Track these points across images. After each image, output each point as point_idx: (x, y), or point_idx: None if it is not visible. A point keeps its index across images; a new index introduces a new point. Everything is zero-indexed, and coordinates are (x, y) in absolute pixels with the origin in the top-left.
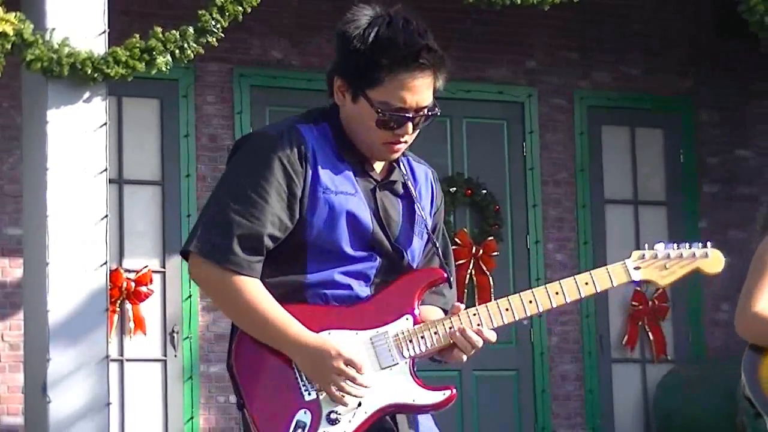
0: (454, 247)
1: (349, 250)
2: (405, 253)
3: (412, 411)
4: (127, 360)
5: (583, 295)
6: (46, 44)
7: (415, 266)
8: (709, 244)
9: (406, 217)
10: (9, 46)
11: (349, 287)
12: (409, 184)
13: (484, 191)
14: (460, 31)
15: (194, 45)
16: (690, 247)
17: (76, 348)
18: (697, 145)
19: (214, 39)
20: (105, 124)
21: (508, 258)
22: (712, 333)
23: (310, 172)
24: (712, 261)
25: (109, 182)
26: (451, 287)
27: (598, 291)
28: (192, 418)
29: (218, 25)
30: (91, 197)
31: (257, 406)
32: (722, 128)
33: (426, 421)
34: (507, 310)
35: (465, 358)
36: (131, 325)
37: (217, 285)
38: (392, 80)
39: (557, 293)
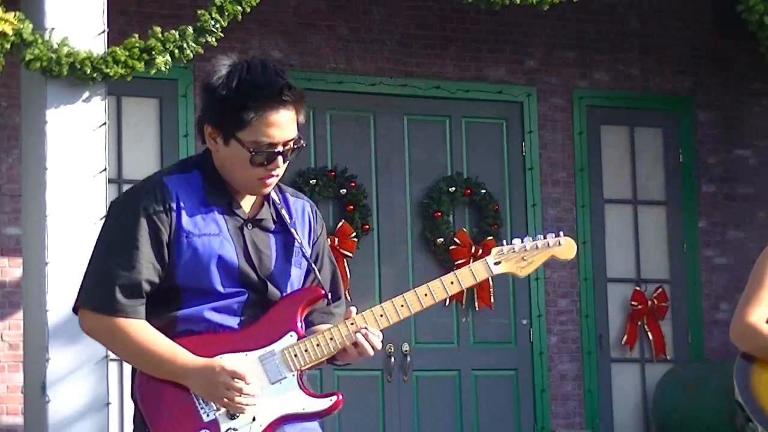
0: (453, 247)
1: (217, 287)
2: (269, 285)
3: (304, 419)
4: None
5: (449, 293)
6: (45, 44)
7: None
8: (561, 233)
9: (280, 251)
10: (8, 46)
11: (217, 323)
12: (284, 217)
13: (483, 191)
14: (459, 30)
15: (193, 45)
16: (544, 238)
17: (76, 347)
18: (696, 144)
19: (214, 39)
20: (104, 123)
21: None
22: (711, 333)
23: (174, 220)
24: (565, 248)
25: (109, 182)
26: (335, 303)
27: (464, 288)
28: None
29: (217, 25)
30: (91, 197)
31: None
32: (721, 128)
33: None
34: (381, 316)
35: (357, 357)
36: None
37: (108, 333)
38: (259, 120)
39: (426, 295)
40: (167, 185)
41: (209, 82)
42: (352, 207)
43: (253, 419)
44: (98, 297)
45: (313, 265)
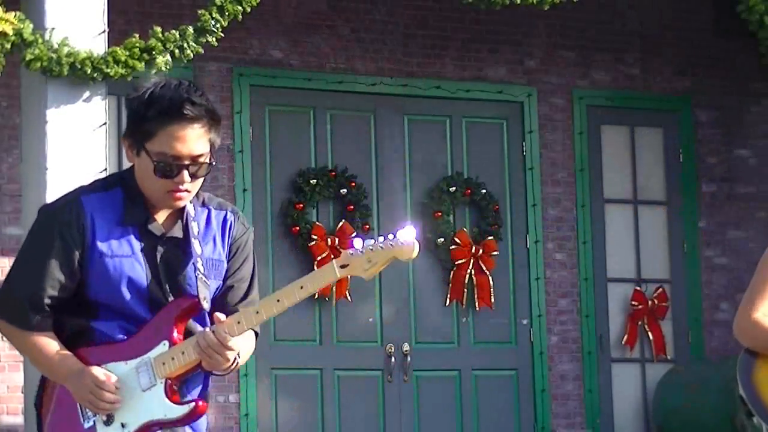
0: (453, 246)
1: (125, 306)
2: (167, 299)
3: (168, 425)
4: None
5: (299, 298)
6: (45, 44)
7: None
8: (400, 232)
9: (194, 264)
10: (8, 46)
11: (120, 336)
12: (191, 229)
13: (484, 191)
14: (459, 30)
15: (194, 45)
16: (385, 239)
17: None
18: (696, 144)
19: (214, 39)
20: (104, 123)
21: (507, 258)
22: (711, 333)
23: (88, 239)
24: (404, 250)
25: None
26: (244, 301)
27: (313, 291)
28: None
29: (218, 25)
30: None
31: None
32: (721, 128)
33: None
34: (239, 323)
35: (216, 368)
36: None
37: (12, 339)
38: (164, 132)
39: (278, 300)
40: (83, 204)
41: (128, 97)
42: (352, 207)
43: (122, 426)
44: (9, 308)
45: (201, 271)
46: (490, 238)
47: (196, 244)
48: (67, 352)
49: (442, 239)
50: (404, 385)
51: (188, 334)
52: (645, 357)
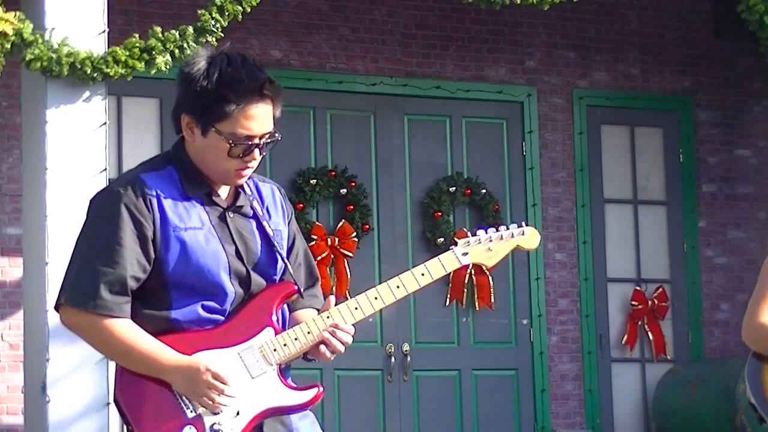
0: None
1: (208, 279)
2: (252, 277)
3: (286, 412)
4: None
5: (421, 285)
6: (45, 44)
7: (282, 275)
8: (524, 223)
9: (262, 234)
10: (8, 46)
11: (206, 319)
12: (256, 204)
13: (484, 191)
14: (459, 30)
15: (194, 45)
16: (508, 228)
17: (76, 347)
18: (696, 144)
19: (214, 39)
20: (104, 123)
21: (507, 257)
22: (711, 333)
23: (157, 215)
24: (529, 238)
25: (109, 182)
26: (314, 286)
27: (434, 279)
28: None
29: (218, 25)
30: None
31: (145, 430)
32: (721, 128)
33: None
34: (356, 308)
35: (329, 356)
36: None
37: (91, 330)
38: (239, 112)
39: (398, 286)
40: (146, 181)
41: (188, 73)
42: (352, 207)
43: (237, 413)
44: (82, 294)
45: (283, 255)
46: None
47: (260, 212)
48: (158, 342)
49: (442, 239)
50: (404, 385)
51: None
52: (645, 357)
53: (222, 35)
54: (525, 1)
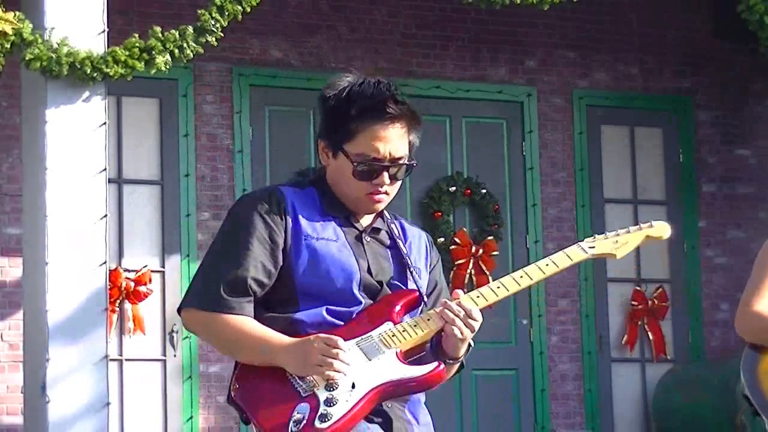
0: (454, 246)
1: (337, 291)
2: (383, 289)
3: (407, 387)
4: (127, 360)
5: (547, 274)
6: (45, 44)
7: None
8: (651, 221)
9: (397, 263)
10: (8, 46)
11: (332, 323)
12: (396, 234)
13: (484, 191)
14: (459, 30)
15: (194, 44)
16: (634, 225)
17: (76, 347)
18: (696, 144)
19: (214, 38)
20: (104, 123)
21: (507, 258)
22: (711, 332)
23: (291, 223)
24: (658, 228)
25: (109, 182)
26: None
27: (560, 270)
28: (191, 417)
29: (218, 25)
30: (91, 197)
31: (262, 414)
32: (721, 128)
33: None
34: (478, 297)
35: (458, 341)
36: (130, 324)
37: (208, 327)
38: (365, 132)
39: (522, 276)
40: (283, 192)
41: (324, 95)
42: None
43: (353, 386)
44: (203, 294)
45: (419, 282)
46: (490, 238)
47: (400, 245)
48: (270, 329)
49: (442, 239)
50: None
51: None
52: (645, 357)
53: (222, 35)
54: (525, 1)
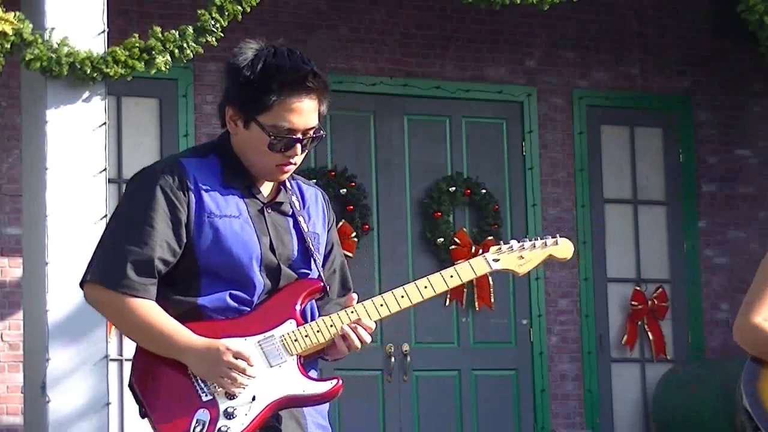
0: (453, 247)
1: (237, 271)
2: (283, 271)
3: (304, 402)
4: (127, 359)
5: (449, 286)
6: (45, 44)
7: (316, 277)
8: (557, 235)
9: (298, 234)
10: (8, 46)
11: (234, 308)
12: (296, 203)
13: (484, 191)
14: (459, 30)
15: (193, 45)
16: (541, 239)
17: (76, 347)
18: (696, 144)
19: (214, 39)
20: (104, 123)
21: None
22: (711, 333)
23: (193, 199)
24: (562, 248)
25: (109, 182)
26: (346, 294)
27: (463, 281)
28: None
29: (217, 25)
30: (91, 197)
31: (159, 415)
32: (721, 128)
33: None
34: (381, 305)
35: (346, 351)
36: None
37: (113, 308)
38: (281, 104)
39: (426, 287)
40: (185, 166)
41: (234, 64)
42: (352, 207)
43: (253, 398)
44: (108, 271)
45: (316, 256)
46: (490, 238)
47: (301, 219)
48: (179, 323)
49: (442, 239)
50: (404, 384)
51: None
52: (645, 357)
53: (222, 35)
54: (525, 1)
